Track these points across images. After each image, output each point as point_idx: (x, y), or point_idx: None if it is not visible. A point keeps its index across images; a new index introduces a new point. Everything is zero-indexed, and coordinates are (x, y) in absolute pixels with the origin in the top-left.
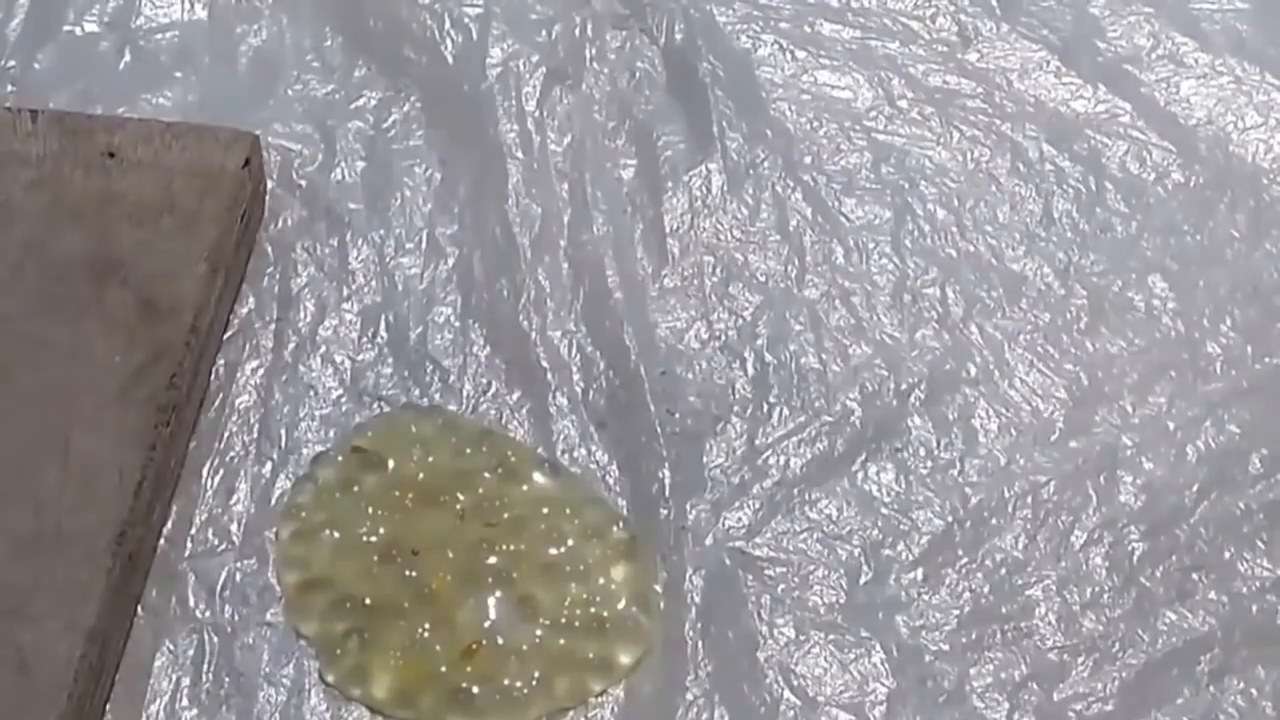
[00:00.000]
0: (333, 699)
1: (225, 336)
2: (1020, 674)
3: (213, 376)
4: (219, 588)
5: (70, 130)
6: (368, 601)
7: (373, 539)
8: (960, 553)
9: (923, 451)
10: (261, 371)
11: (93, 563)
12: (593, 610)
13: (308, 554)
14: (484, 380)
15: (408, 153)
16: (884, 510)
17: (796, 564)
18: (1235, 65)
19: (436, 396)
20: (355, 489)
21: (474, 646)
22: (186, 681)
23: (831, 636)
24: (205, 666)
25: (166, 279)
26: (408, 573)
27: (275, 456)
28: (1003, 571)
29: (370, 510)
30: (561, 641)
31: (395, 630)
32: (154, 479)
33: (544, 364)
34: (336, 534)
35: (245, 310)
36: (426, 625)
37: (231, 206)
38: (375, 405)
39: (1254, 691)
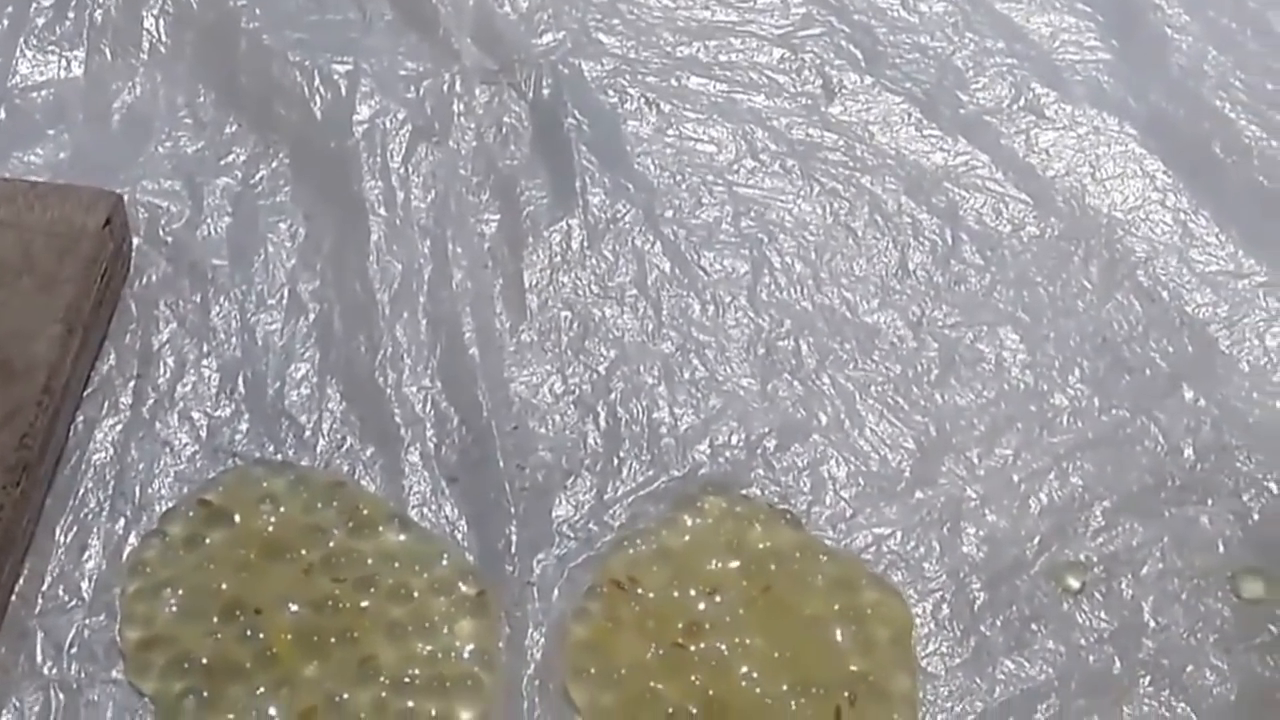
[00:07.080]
0: None
1: (85, 393)
2: None
3: (70, 433)
4: (67, 645)
5: None
6: (205, 661)
7: (216, 596)
8: None
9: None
10: (119, 428)
11: None
12: (435, 669)
13: (150, 611)
14: (339, 436)
15: (274, 209)
16: None
17: None
18: (1095, 116)
19: (291, 452)
20: (204, 543)
21: (313, 708)
22: None
23: None
24: None
25: (22, 339)
26: (249, 632)
27: (129, 513)
28: None
29: (213, 567)
30: (403, 703)
31: (232, 691)
32: (3, 539)
33: (398, 419)
34: (180, 591)
35: (106, 367)
36: (264, 687)
37: (90, 266)
38: (230, 461)
39: None
